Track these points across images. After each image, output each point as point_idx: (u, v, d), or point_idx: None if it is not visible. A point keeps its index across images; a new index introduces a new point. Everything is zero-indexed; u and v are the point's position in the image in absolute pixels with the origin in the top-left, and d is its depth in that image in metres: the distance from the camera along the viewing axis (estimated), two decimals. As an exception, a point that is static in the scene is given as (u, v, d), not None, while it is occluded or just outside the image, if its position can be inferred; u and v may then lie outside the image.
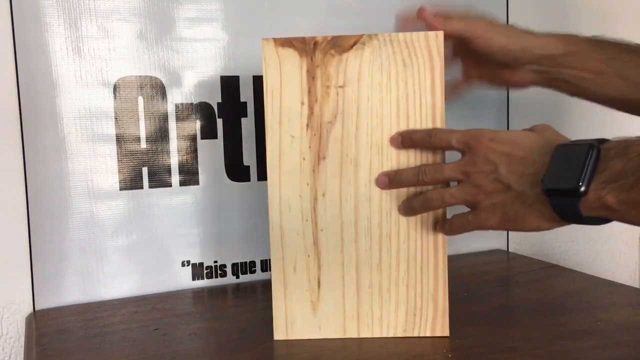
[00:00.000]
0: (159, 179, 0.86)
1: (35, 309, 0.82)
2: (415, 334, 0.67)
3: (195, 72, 0.87)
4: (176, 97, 0.86)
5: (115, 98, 0.83)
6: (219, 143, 0.89)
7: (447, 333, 0.66)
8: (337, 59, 0.64)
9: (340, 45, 0.64)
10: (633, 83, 0.71)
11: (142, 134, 0.85)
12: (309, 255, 0.66)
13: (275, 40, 0.65)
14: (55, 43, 0.80)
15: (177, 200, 0.87)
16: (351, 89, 0.65)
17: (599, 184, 0.51)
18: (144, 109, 0.85)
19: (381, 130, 0.65)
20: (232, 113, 0.89)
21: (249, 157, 0.90)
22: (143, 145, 0.85)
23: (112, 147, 0.84)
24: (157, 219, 0.87)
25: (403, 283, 0.66)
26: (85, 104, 0.82)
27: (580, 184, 0.51)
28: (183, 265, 0.89)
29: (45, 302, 0.82)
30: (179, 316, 0.78)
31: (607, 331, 0.69)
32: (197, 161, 0.88)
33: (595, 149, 0.52)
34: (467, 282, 0.87)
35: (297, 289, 0.67)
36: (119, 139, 0.84)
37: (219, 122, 0.88)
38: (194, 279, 0.89)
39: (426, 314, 0.67)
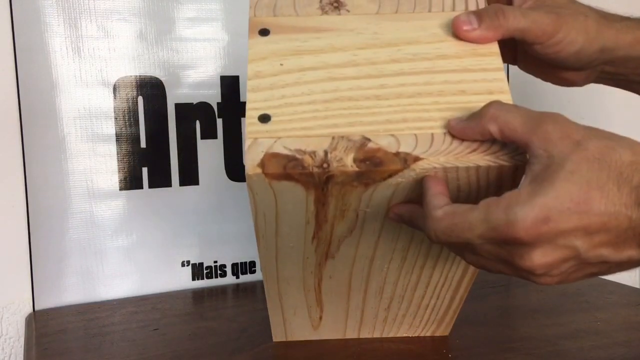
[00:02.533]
0: (159, 179, 0.86)
1: (35, 309, 0.82)
2: (417, 335, 0.67)
3: (195, 72, 0.87)
4: (176, 97, 0.86)
5: (115, 98, 0.83)
6: (219, 143, 0.89)
7: (446, 333, 0.67)
8: (360, 189, 0.44)
9: (369, 177, 0.42)
10: None
11: (142, 134, 0.85)
12: (310, 307, 0.61)
13: (266, 171, 0.41)
14: (55, 43, 0.80)
15: (177, 200, 0.87)
16: (377, 211, 0.47)
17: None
18: (144, 109, 0.85)
19: (410, 237, 0.51)
20: (232, 113, 0.89)
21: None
22: (143, 145, 0.85)
23: (112, 147, 0.84)
24: (157, 219, 0.87)
25: (410, 316, 0.63)
26: (85, 103, 0.82)
27: None
28: (183, 265, 0.89)
29: (45, 302, 0.82)
30: (178, 316, 0.78)
31: (607, 331, 0.69)
32: (197, 161, 0.88)
33: None
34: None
35: (297, 326, 0.64)
36: (119, 139, 0.84)
37: (219, 122, 0.88)
38: (193, 279, 0.89)
39: (428, 329, 0.66)
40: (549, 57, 0.51)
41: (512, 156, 0.42)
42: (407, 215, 0.45)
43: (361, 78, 0.46)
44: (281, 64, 0.47)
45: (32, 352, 0.68)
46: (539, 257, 0.39)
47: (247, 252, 0.91)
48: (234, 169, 0.90)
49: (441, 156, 0.42)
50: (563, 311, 0.75)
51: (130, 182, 0.85)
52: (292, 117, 0.44)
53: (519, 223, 0.37)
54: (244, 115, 0.92)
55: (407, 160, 0.42)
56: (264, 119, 0.44)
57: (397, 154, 0.42)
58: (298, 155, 0.42)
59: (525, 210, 0.37)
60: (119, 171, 0.84)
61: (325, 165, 0.42)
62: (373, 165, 0.42)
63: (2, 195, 0.81)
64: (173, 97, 0.86)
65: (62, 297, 0.83)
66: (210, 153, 0.88)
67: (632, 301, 0.80)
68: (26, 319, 0.81)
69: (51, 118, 0.81)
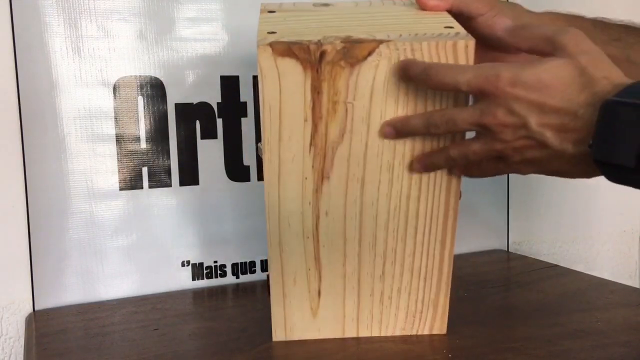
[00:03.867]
0: (159, 179, 0.86)
1: (35, 309, 0.82)
2: (414, 333, 0.67)
3: (195, 72, 0.87)
4: (176, 97, 0.86)
5: (115, 98, 0.83)
6: (219, 143, 0.89)
7: (444, 331, 0.67)
8: (347, 71, 0.55)
9: (352, 56, 0.54)
10: None
11: (142, 134, 0.85)
12: (309, 269, 0.64)
13: (273, 47, 0.54)
14: (55, 43, 0.80)
15: (177, 200, 0.87)
16: (362, 104, 0.56)
17: None
18: (144, 109, 0.85)
19: (393, 150, 0.58)
20: (232, 113, 0.89)
21: (249, 157, 0.90)
22: (143, 145, 0.85)
23: (112, 147, 0.84)
24: (157, 219, 0.87)
25: (405, 291, 0.65)
26: (85, 103, 0.82)
27: None
28: (183, 265, 0.89)
29: (45, 302, 0.82)
30: (178, 316, 0.78)
31: (607, 331, 0.68)
32: (197, 161, 0.88)
33: None
34: (467, 282, 0.87)
35: (296, 298, 0.65)
36: (119, 139, 0.84)
37: (219, 122, 0.88)
38: (193, 279, 0.89)
39: (425, 316, 0.66)
40: (485, 31, 0.60)
41: (463, 35, 0.55)
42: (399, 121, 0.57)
43: (345, 20, 0.60)
44: (285, 19, 0.61)
45: (32, 352, 0.68)
46: (500, 115, 0.49)
47: (247, 252, 0.91)
48: (234, 169, 0.90)
49: (407, 40, 0.55)
50: (563, 311, 0.75)
51: (130, 182, 0.85)
52: (293, 31, 0.57)
53: (496, 77, 0.48)
54: (244, 115, 0.92)
55: (382, 40, 0.55)
56: (271, 33, 0.56)
57: (373, 39, 0.55)
58: (298, 40, 0.55)
59: (504, 70, 0.48)
60: (119, 171, 0.84)
61: (319, 44, 0.54)
62: (355, 43, 0.54)
63: (2, 195, 0.81)
64: (173, 97, 0.86)
65: (62, 297, 0.83)
66: (210, 153, 0.88)
67: (632, 301, 0.80)
68: (26, 319, 0.81)
69: (51, 118, 0.81)
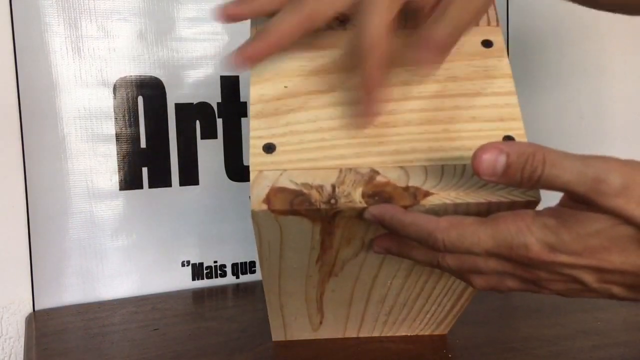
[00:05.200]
0: (159, 179, 0.86)
1: (35, 309, 0.82)
2: (415, 334, 0.67)
3: (195, 72, 0.87)
4: (176, 97, 0.86)
5: (115, 98, 0.83)
6: (219, 143, 0.89)
7: (445, 332, 0.67)
8: (367, 222, 0.43)
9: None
10: None
11: (142, 134, 0.85)
12: (311, 315, 0.61)
13: (271, 207, 0.41)
14: (55, 43, 0.80)
15: (177, 200, 0.87)
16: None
17: None
18: (144, 109, 0.85)
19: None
20: (232, 113, 0.89)
21: (249, 157, 0.90)
22: (143, 145, 0.85)
23: (112, 147, 0.84)
24: (157, 219, 0.87)
25: (411, 319, 0.63)
26: (85, 103, 0.82)
27: None
28: (183, 265, 0.89)
29: (45, 302, 0.82)
30: (178, 316, 0.78)
31: (607, 331, 0.68)
32: (197, 161, 0.88)
33: None
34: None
35: (297, 328, 0.64)
36: (119, 139, 0.84)
37: (219, 122, 0.88)
38: (193, 279, 0.89)
39: (428, 329, 0.66)
40: None
41: (525, 191, 0.41)
42: (396, 246, 0.44)
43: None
44: (285, 86, 0.45)
45: (32, 352, 0.68)
46: (543, 275, 0.40)
47: (247, 252, 0.91)
48: (234, 169, 0.90)
49: (451, 191, 0.41)
50: (563, 311, 0.75)
51: (130, 182, 0.85)
52: (298, 146, 0.42)
53: (525, 248, 0.38)
54: (244, 115, 0.92)
55: (416, 195, 0.40)
56: (269, 149, 0.43)
57: (406, 188, 0.41)
58: (305, 190, 0.41)
59: (531, 237, 0.38)
60: (119, 171, 0.84)
61: (332, 201, 0.40)
62: (382, 200, 0.40)
63: (2, 195, 0.81)
64: (173, 97, 0.86)
65: (62, 297, 0.83)
66: (210, 153, 0.88)
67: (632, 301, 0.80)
68: (26, 319, 0.81)
69: (51, 118, 0.81)
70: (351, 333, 0.66)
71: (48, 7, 0.79)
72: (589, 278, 0.39)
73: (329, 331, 0.65)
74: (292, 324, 0.63)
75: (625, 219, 0.36)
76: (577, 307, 0.77)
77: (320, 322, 0.62)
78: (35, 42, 0.79)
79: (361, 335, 0.66)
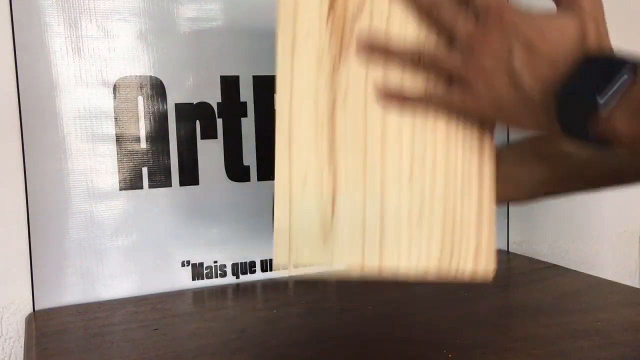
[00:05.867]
0: (159, 179, 0.86)
1: (35, 309, 0.82)
2: (453, 268, 0.52)
3: (195, 72, 0.87)
4: (176, 97, 0.86)
5: (115, 98, 0.83)
6: (219, 143, 0.89)
7: (492, 270, 0.53)
8: None
9: None
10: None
11: (142, 134, 0.85)
12: (321, 171, 0.51)
13: None
14: (55, 43, 0.80)
15: (177, 200, 0.87)
16: None
17: (624, 112, 0.42)
18: (144, 109, 0.85)
19: (413, 24, 0.50)
20: (232, 113, 0.89)
21: (249, 157, 0.90)
22: (143, 145, 0.85)
23: (112, 147, 0.84)
24: (157, 219, 0.87)
25: (439, 204, 0.51)
26: (85, 103, 0.82)
27: (603, 103, 0.42)
28: (183, 265, 0.89)
29: (45, 302, 0.82)
30: (178, 316, 0.78)
31: (607, 331, 0.68)
32: (197, 161, 0.88)
33: (631, 67, 0.42)
34: (467, 282, 0.87)
35: (306, 212, 0.51)
36: (119, 139, 0.84)
37: (219, 122, 0.88)
38: (193, 279, 0.89)
39: (467, 244, 0.52)
40: None
41: None
42: None
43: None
44: None
45: (32, 352, 0.68)
46: (493, 36, 0.47)
47: (247, 252, 0.91)
48: (234, 169, 0.90)
49: None
50: (563, 311, 0.75)
51: (130, 182, 0.85)
52: None
53: (505, 3, 0.47)
54: (244, 115, 0.92)
55: None
56: None
57: None
58: None
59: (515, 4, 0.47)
60: (119, 171, 0.84)
61: None
62: None
63: (2, 195, 0.81)
64: (173, 98, 0.86)
65: (62, 297, 0.83)
66: (210, 153, 0.88)
67: (632, 301, 0.80)
68: (26, 319, 0.81)
69: (51, 118, 0.81)
70: (370, 255, 0.51)
71: (48, 7, 0.79)
72: (518, 54, 0.46)
73: (346, 209, 0.51)
74: (301, 197, 0.51)
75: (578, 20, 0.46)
76: (578, 307, 0.77)
77: (333, 199, 0.51)
78: (35, 42, 0.79)
79: (384, 243, 0.51)
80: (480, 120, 0.51)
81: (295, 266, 0.51)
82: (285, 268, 0.51)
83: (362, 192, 0.51)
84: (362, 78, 0.51)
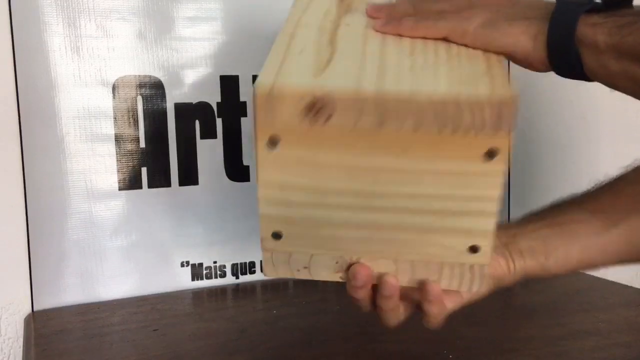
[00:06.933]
0: (159, 179, 0.86)
1: (34, 310, 0.82)
2: (466, 93, 0.41)
3: (194, 72, 0.87)
4: (176, 96, 0.86)
5: (114, 97, 0.83)
6: (218, 143, 0.88)
7: (510, 93, 0.40)
8: None
9: None
10: None
11: (142, 134, 0.85)
12: (321, 45, 0.47)
13: None
14: (54, 42, 0.80)
15: (176, 200, 0.87)
16: None
17: (604, 19, 0.45)
18: (143, 108, 0.84)
19: None
20: (232, 113, 0.89)
21: (248, 157, 0.90)
22: (142, 145, 0.85)
23: (111, 147, 0.83)
24: (157, 219, 0.86)
25: (444, 65, 0.46)
26: (84, 103, 0.82)
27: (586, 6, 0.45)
28: (182, 265, 0.88)
29: (44, 303, 0.82)
30: (178, 317, 0.78)
31: (608, 332, 0.68)
32: (196, 161, 0.88)
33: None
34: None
35: (297, 71, 0.44)
36: (118, 139, 0.84)
37: (219, 122, 0.88)
38: (193, 279, 0.89)
39: (483, 81, 0.44)
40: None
41: None
42: None
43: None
44: None
45: (31, 353, 0.68)
46: None
47: (247, 252, 0.91)
48: (234, 169, 0.90)
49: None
50: (564, 312, 0.75)
51: (130, 182, 0.85)
52: None
53: None
54: (244, 115, 0.92)
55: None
56: None
57: None
58: None
59: None
60: (118, 171, 0.84)
61: None
62: None
63: (2, 195, 0.81)
64: (173, 97, 0.86)
65: (61, 297, 0.83)
66: (210, 153, 0.88)
67: (633, 302, 0.80)
68: (25, 319, 0.81)
69: (50, 118, 0.81)
70: (370, 80, 0.43)
71: (47, 7, 0.79)
72: None
73: (338, 76, 0.44)
74: (292, 62, 0.45)
75: None
76: (578, 308, 0.77)
77: (329, 61, 0.45)
78: (34, 41, 0.79)
79: (386, 86, 0.42)
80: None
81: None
82: (268, 92, 0.42)
83: (359, 59, 0.46)
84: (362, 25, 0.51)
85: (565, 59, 0.46)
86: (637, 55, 0.43)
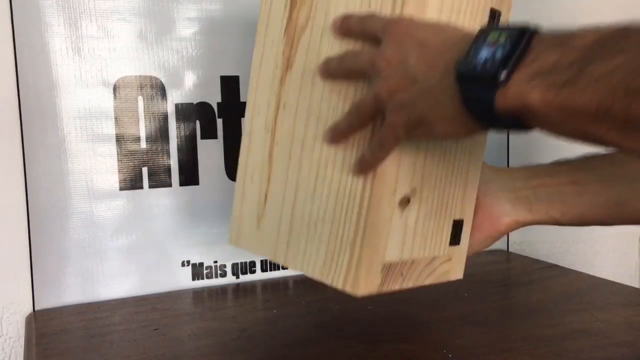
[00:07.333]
0: (159, 179, 0.86)
1: (35, 309, 0.82)
2: (329, 281, 0.56)
3: (195, 72, 0.87)
4: (176, 97, 0.86)
5: (115, 98, 0.83)
6: (219, 143, 0.89)
7: (357, 291, 0.54)
8: None
9: None
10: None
11: (142, 134, 0.85)
12: (263, 167, 0.64)
13: None
14: (55, 43, 0.80)
15: (177, 200, 0.87)
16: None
17: (524, 76, 0.40)
18: (144, 109, 0.85)
19: (340, 42, 0.56)
20: (232, 113, 0.89)
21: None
22: (143, 145, 0.85)
23: (112, 147, 0.84)
24: (157, 219, 0.87)
25: (328, 220, 0.57)
26: (85, 103, 0.82)
27: (501, 70, 0.41)
28: (183, 265, 0.89)
29: (45, 302, 0.82)
30: (178, 316, 0.78)
31: (607, 331, 0.68)
32: (197, 161, 0.88)
33: (527, 35, 0.42)
34: (467, 282, 0.87)
35: (250, 199, 0.66)
36: (119, 139, 0.84)
37: (219, 122, 0.88)
38: (193, 279, 0.89)
39: (341, 261, 0.55)
40: None
41: None
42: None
43: None
44: None
45: (32, 352, 0.68)
46: (389, 53, 0.49)
47: (247, 252, 0.91)
48: (234, 169, 0.89)
49: None
50: (563, 311, 0.75)
51: (130, 182, 0.85)
52: None
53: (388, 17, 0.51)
54: (244, 115, 0.92)
55: None
56: None
57: None
58: None
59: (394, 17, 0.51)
60: (119, 171, 0.84)
61: None
62: None
63: (2, 195, 0.81)
64: (173, 97, 0.86)
65: (62, 297, 0.83)
66: (210, 153, 0.88)
67: (632, 301, 0.80)
68: (26, 319, 0.81)
69: (51, 118, 0.81)
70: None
71: (48, 7, 0.79)
72: (412, 54, 0.47)
73: (271, 209, 0.63)
74: (249, 189, 0.66)
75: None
76: (578, 308, 0.77)
77: (266, 197, 0.64)
78: (35, 42, 0.79)
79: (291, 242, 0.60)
80: (411, 135, 0.51)
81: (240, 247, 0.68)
82: (236, 244, 0.69)
83: (282, 194, 0.61)
84: (297, 88, 0.60)
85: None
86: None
